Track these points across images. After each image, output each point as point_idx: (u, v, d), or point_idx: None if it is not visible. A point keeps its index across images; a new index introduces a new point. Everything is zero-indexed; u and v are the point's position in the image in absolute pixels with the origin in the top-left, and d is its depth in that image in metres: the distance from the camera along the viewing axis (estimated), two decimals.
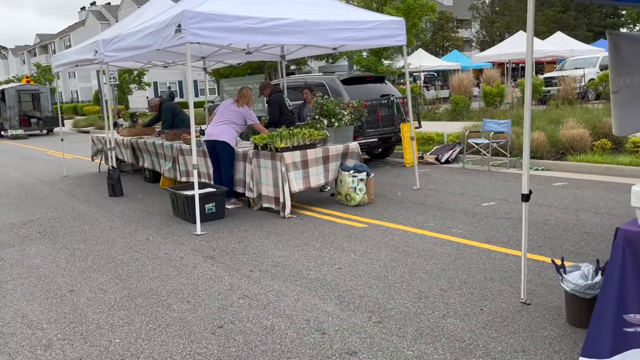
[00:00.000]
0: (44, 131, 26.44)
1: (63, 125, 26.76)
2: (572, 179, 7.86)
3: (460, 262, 4.54)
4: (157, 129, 10.11)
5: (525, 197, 3.45)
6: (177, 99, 44.20)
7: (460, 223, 5.76)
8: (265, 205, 6.70)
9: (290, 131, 6.47)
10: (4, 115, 25.29)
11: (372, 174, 6.94)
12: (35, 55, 66.22)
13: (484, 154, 9.42)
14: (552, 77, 18.44)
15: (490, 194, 7.15)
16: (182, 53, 8.53)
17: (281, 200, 6.39)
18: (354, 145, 7.08)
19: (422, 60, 28.02)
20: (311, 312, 3.70)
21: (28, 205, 8.04)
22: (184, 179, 8.17)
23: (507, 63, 27.64)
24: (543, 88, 17.54)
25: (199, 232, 5.88)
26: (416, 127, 10.73)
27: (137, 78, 29.91)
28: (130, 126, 10.41)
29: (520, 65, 36.39)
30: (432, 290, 3.97)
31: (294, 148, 6.46)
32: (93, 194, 8.69)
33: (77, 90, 58.37)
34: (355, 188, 6.74)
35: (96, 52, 7.99)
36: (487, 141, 9.40)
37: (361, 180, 6.77)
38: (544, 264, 4.35)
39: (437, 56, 36.94)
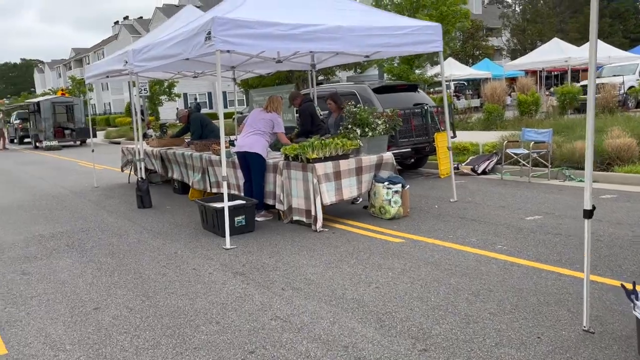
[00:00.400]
0: (78, 142, 26.87)
1: (95, 136, 27.23)
2: (621, 191, 7.39)
3: (509, 282, 4.19)
4: (186, 140, 10.00)
5: (589, 214, 3.10)
6: (206, 110, 44.60)
7: (505, 239, 5.40)
8: (296, 218, 6.45)
9: (322, 141, 6.22)
10: (39, 127, 25.83)
11: (408, 186, 6.63)
12: (70, 68, 68.02)
13: (524, 165, 9.00)
14: None
15: (533, 207, 6.75)
16: (212, 63, 8.41)
17: (313, 213, 6.14)
18: (388, 156, 6.79)
19: (453, 69, 27.54)
20: (349, 337, 3.41)
21: (58, 216, 7.98)
22: (214, 190, 7.99)
23: (541, 71, 26.97)
24: (581, 96, 16.93)
25: (228, 246, 5.66)
26: (451, 137, 10.35)
27: (167, 89, 30.21)
28: (160, 137, 10.34)
29: (554, 73, 35.55)
30: (480, 314, 3.64)
31: (325, 159, 6.21)
32: (122, 205, 8.60)
33: (110, 102, 59.65)
34: (389, 200, 6.44)
35: (126, 62, 7.93)
36: (527, 151, 8.98)
37: (396, 192, 6.46)
38: (603, 286, 3.97)
39: (467, 65, 36.36)
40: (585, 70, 27.20)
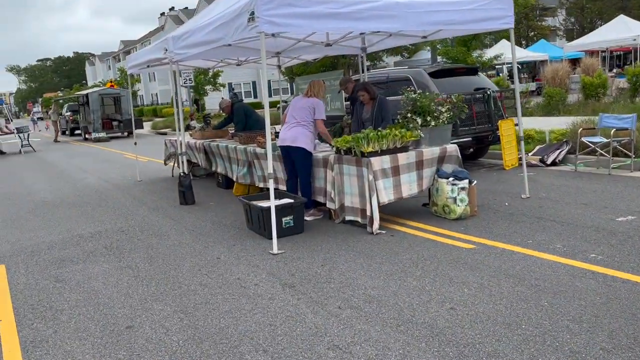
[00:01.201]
0: (125, 133, 27.13)
1: (141, 127, 27.40)
2: None
3: (616, 304, 3.43)
4: (230, 132, 9.53)
5: None
6: (250, 100, 44.48)
7: (597, 245, 4.59)
8: (349, 218, 5.83)
9: (379, 133, 5.54)
10: (87, 119, 26.18)
11: (475, 182, 5.87)
12: (119, 60, 69.48)
13: (602, 155, 8.02)
14: None
15: (622, 204, 5.87)
16: (255, 49, 7.84)
17: (368, 213, 5.49)
18: (452, 148, 6.05)
19: (507, 51, 26.04)
20: None
21: (99, 214, 7.66)
22: (261, 185, 7.46)
23: (604, 51, 25.19)
24: None
25: (275, 250, 5.10)
26: (515, 125, 9.44)
27: (212, 79, 30.06)
28: (202, 128, 9.89)
29: (615, 53, 33.27)
30: (590, 350, 2.91)
31: (382, 152, 5.53)
32: (164, 201, 8.21)
33: (157, 93, 60.54)
34: (455, 198, 5.71)
35: (166, 50, 7.46)
36: (606, 139, 8.00)
37: (462, 189, 5.73)
38: None
39: (521, 47, 34.53)
40: None
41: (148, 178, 10.81)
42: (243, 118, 9.05)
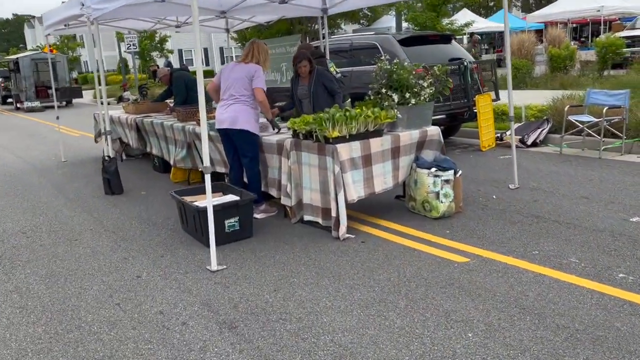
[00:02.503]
0: (63, 103, 24.92)
1: (80, 96, 25.16)
2: None
3: None
4: (170, 104, 8.18)
5: None
6: (202, 68, 42.30)
7: (621, 259, 3.67)
8: (308, 217, 4.72)
9: (348, 113, 4.40)
10: (19, 86, 23.81)
11: (460, 172, 4.85)
12: None
13: (591, 136, 7.18)
14: (633, 37, 15.71)
15: (629, 199, 4.99)
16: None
17: (333, 213, 4.39)
18: (434, 131, 4.99)
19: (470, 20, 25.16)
20: None
21: (4, 206, 6.25)
22: (200, 168, 6.24)
23: (565, 23, 24.68)
24: (625, 49, 14.92)
25: (214, 267, 3.95)
26: (493, 100, 8.51)
27: (159, 45, 27.95)
28: (136, 101, 8.46)
29: (573, 25, 33.04)
30: None
31: (351, 137, 4.41)
32: (87, 189, 6.85)
33: (102, 59, 56.90)
34: (437, 193, 4.68)
35: (82, 5, 6.01)
36: (593, 118, 7.16)
37: (446, 181, 4.70)
38: None
39: (481, 16, 33.79)
40: (614, 21, 24.92)
41: (76, 158, 9.34)
42: (183, 90, 7.69)
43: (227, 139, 5.06)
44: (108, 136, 6.56)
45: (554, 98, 8.83)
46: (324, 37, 7.87)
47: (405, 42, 7.91)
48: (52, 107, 23.53)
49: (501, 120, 9.08)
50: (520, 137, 7.90)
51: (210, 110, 6.49)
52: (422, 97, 4.73)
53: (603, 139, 6.93)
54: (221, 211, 4.35)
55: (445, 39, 8.51)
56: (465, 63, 7.77)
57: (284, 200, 4.88)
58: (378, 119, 4.52)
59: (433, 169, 4.69)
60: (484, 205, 5.08)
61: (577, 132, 7.37)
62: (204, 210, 4.19)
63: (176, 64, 39.14)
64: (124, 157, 8.74)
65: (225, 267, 3.97)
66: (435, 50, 8.09)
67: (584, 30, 34.35)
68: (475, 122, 8.38)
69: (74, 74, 50.23)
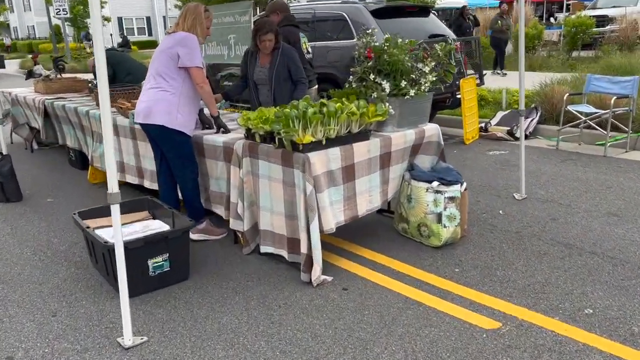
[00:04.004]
0: None
1: (2, 66, 22.46)
2: None
3: None
4: (90, 84, 6.63)
5: None
6: (144, 37, 39.37)
7: None
8: (267, 249, 3.46)
9: (324, 109, 3.13)
10: None
11: (465, 184, 3.69)
12: None
13: (592, 128, 6.21)
14: (603, 17, 15.07)
15: None
16: None
17: (303, 249, 3.14)
18: (432, 130, 3.80)
19: None
20: None
21: None
22: (129, 178, 4.83)
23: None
24: (595, 29, 14.24)
25: (128, 339, 2.64)
26: (477, 84, 7.43)
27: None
28: (47, 78, 6.81)
29: (534, 3, 32.61)
30: None
31: (329, 142, 3.16)
32: None
33: (33, 25, 52.52)
34: (439, 215, 3.52)
35: None
36: (595, 109, 6.20)
37: (451, 199, 3.54)
38: None
39: None
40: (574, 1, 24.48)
41: None
42: (108, 68, 6.11)
43: (150, 139, 3.70)
44: (6, 124, 5.01)
45: (542, 83, 7.85)
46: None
47: (379, 14, 6.66)
48: None
49: (480, 106, 8.03)
50: (509, 128, 6.87)
51: (137, 94, 5.07)
52: (424, 87, 3.51)
53: (609, 134, 5.97)
54: (143, 249, 3.03)
55: (424, 11, 7.30)
56: (450, 41, 6.59)
57: (234, 224, 3.59)
58: (365, 116, 3.28)
59: (435, 183, 3.52)
60: (492, 226, 3.97)
61: (572, 123, 6.39)
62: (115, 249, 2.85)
63: (116, 35, 36.25)
64: (35, 146, 7.12)
65: (144, 339, 2.67)
66: (413, 24, 6.88)
67: (538, 9, 34.08)
68: (455, 110, 7.31)
69: (8, 40, 46.12)
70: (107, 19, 27.73)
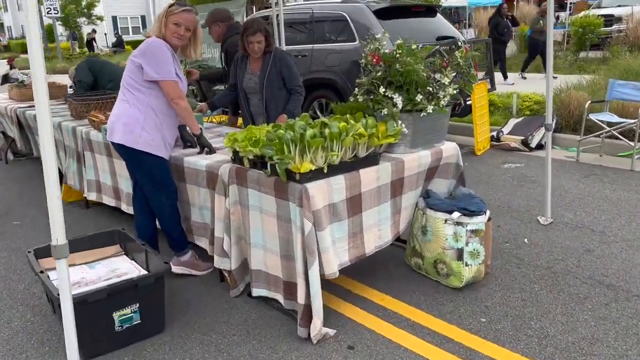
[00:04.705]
0: None
1: None
2: None
3: None
4: (68, 90, 6.09)
5: None
6: (139, 37, 38.68)
7: None
8: (259, 292, 2.93)
9: (325, 128, 2.59)
10: None
11: (488, 212, 3.16)
12: None
13: (617, 138, 5.69)
14: (609, 16, 14.58)
15: None
16: None
17: (300, 299, 2.61)
18: (450, 150, 3.28)
19: None
20: None
21: None
22: (92, 197, 4.31)
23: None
24: (603, 29, 13.74)
25: None
26: (489, 90, 6.92)
27: (85, 10, 24.81)
28: (21, 84, 6.26)
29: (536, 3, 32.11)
30: None
31: (331, 169, 2.62)
32: None
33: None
34: (460, 251, 3.00)
35: None
36: (619, 118, 5.70)
37: (474, 233, 3.01)
38: None
39: None
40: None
41: None
42: (86, 74, 5.56)
43: (121, 156, 3.18)
44: None
45: (557, 88, 7.34)
46: (277, 4, 5.94)
47: (383, 14, 6.15)
48: None
49: (490, 113, 7.51)
50: (523, 137, 6.35)
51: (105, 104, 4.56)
52: (443, 102, 2.98)
53: (637, 145, 5.45)
54: (107, 301, 2.50)
55: (430, 11, 6.78)
56: (460, 44, 6.07)
57: (220, 262, 3.05)
58: (374, 137, 2.75)
59: (455, 214, 2.99)
60: (518, 259, 3.45)
61: (594, 134, 5.86)
62: (78, 302, 2.31)
63: (111, 34, 35.61)
64: (10, 157, 6.58)
65: None
66: (419, 25, 6.36)
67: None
68: (465, 118, 6.79)
69: (5, 40, 45.38)
70: (100, 18, 27.12)
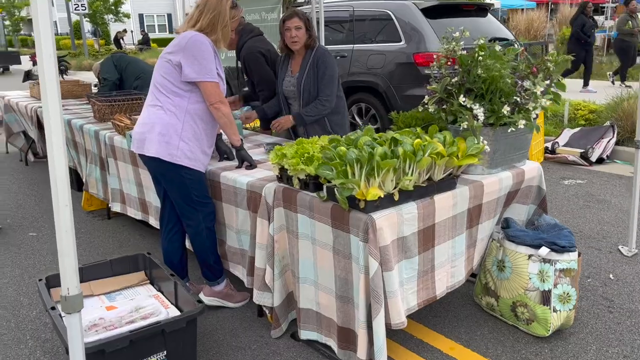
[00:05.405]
0: (0, 69, 21.76)
1: (18, 62, 21.86)
2: None
3: None
4: (93, 89, 5.73)
5: None
6: (164, 35, 38.71)
7: None
8: (308, 335, 2.47)
9: (397, 146, 2.12)
10: None
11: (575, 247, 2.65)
12: None
13: None
14: None
15: None
16: None
17: (362, 353, 2.14)
18: (532, 171, 2.77)
19: None
20: None
21: None
22: (116, 208, 3.90)
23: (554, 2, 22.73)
24: None
25: None
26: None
27: (113, 7, 24.73)
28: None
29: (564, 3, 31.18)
30: None
31: (402, 197, 2.15)
32: None
33: (56, 21, 52.40)
34: (547, 293, 2.49)
35: None
36: None
37: (564, 272, 2.51)
38: None
39: None
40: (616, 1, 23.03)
41: None
42: (112, 70, 5.19)
43: (149, 170, 2.75)
44: None
45: (616, 96, 6.74)
46: (316, 2, 5.49)
47: (431, 13, 5.66)
48: None
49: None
50: (582, 150, 5.78)
51: (142, 106, 4.17)
52: (533, 114, 2.48)
53: None
54: (129, 350, 2.06)
55: (481, 10, 6.25)
56: (517, 45, 5.55)
57: (260, 298, 2.60)
58: (453, 157, 2.26)
59: (543, 250, 2.49)
60: (607, 300, 2.92)
61: None
62: (95, 352, 1.88)
63: (137, 32, 35.63)
64: (31, 158, 6.25)
65: None
66: (470, 25, 5.82)
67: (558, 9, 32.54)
68: None
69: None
70: (127, 15, 27.07)
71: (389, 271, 2.12)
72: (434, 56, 2.66)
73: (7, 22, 29.15)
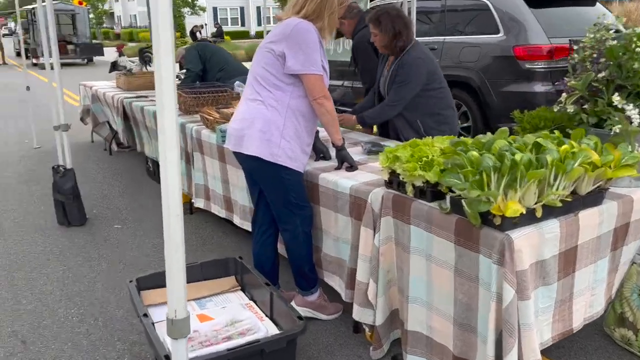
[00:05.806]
0: (84, 60, 22.78)
1: (101, 53, 22.79)
2: None
3: None
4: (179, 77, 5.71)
5: None
6: (236, 28, 39.37)
7: None
8: (414, 358, 2.19)
9: (544, 153, 1.79)
10: (37, 40, 21.65)
11: None
12: None
13: None
14: None
15: None
16: None
17: None
18: None
19: None
20: None
21: None
22: (199, 204, 3.77)
23: None
24: None
25: None
26: None
27: (189, 0, 25.30)
28: (129, 72, 5.94)
29: None
30: None
31: (544, 213, 1.81)
32: (35, 208, 4.47)
33: (136, 14, 54.66)
34: None
35: None
36: None
37: None
38: None
39: None
40: None
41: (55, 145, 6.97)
42: (196, 61, 5.12)
43: (245, 171, 2.57)
44: (64, 132, 4.11)
45: None
46: None
47: (534, 2, 5.17)
48: (71, 64, 21.49)
49: None
50: None
51: (228, 99, 4.02)
52: None
53: None
54: None
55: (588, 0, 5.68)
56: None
57: (360, 314, 2.34)
58: (606, 168, 1.90)
59: None
60: None
61: None
62: None
63: (211, 25, 36.47)
64: (114, 148, 6.33)
65: None
66: (577, 16, 5.31)
67: None
68: None
69: (118, 28, 48.15)
70: (202, 9, 27.66)
71: (525, 300, 1.79)
72: (573, 47, 2.28)
73: (91, 15, 30.60)
